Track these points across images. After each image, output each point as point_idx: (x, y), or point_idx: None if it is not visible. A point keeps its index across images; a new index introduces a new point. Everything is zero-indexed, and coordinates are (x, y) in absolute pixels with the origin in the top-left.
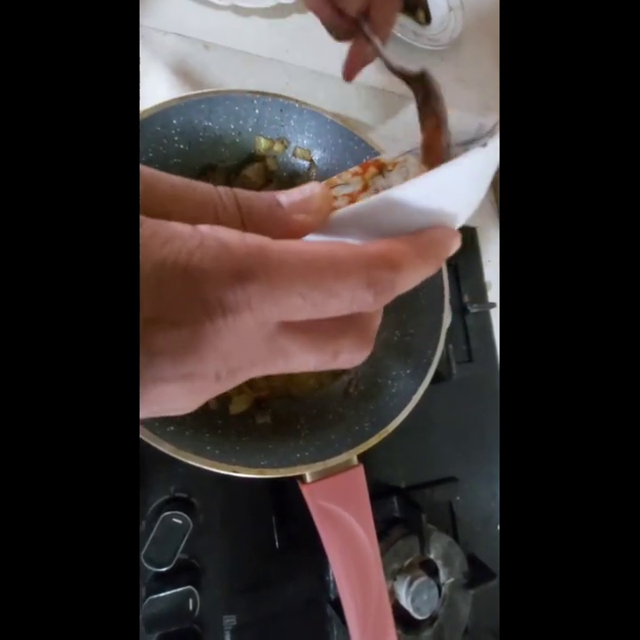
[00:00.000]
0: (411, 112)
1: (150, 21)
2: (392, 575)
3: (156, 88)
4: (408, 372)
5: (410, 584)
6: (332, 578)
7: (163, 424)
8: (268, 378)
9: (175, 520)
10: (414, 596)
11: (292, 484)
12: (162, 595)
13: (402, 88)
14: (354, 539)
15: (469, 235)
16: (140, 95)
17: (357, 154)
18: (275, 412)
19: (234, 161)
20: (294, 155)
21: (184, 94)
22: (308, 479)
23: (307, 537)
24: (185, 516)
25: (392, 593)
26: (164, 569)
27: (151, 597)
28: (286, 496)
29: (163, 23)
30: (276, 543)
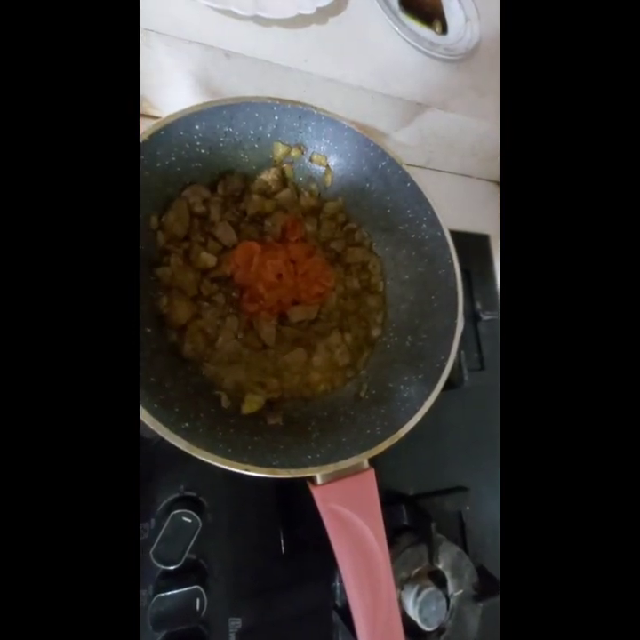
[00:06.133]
0: (425, 120)
1: (176, 31)
2: (400, 584)
3: (179, 95)
4: (420, 377)
5: (417, 594)
6: (338, 584)
7: (177, 421)
8: (280, 379)
9: (185, 519)
10: (422, 607)
11: (299, 490)
12: (169, 593)
13: (418, 96)
14: (364, 542)
15: (482, 242)
16: (164, 102)
17: (373, 160)
18: (286, 413)
19: (252, 166)
20: (311, 160)
21: (207, 100)
22: (319, 481)
23: (312, 543)
24: (195, 515)
25: (399, 602)
26: (172, 567)
27: (159, 595)
28: (293, 501)
29: (188, 33)
30: (282, 548)
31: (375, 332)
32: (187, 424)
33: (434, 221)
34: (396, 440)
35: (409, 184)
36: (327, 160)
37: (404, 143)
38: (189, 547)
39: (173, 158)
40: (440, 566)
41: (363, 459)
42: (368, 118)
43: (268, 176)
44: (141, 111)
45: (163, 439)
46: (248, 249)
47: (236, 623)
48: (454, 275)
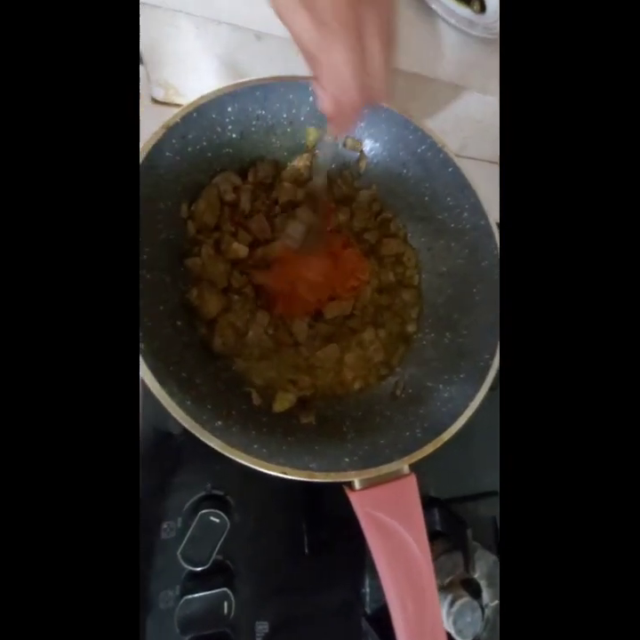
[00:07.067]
0: (462, 103)
1: (205, 11)
2: None
3: (206, 80)
4: (461, 376)
5: (451, 604)
6: (368, 590)
7: (210, 419)
8: (313, 377)
9: (213, 519)
10: (456, 618)
11: (325, 489)
12: (197, 595)
13: (455, 77)
14: (405, 551)
15: None
16: (191, 88)
17: (412, 143)
18: (319, 412)
19: (283, 152)
20: (344, 145)
21: (241, 80)
22: (357, 486)
23: (338, 545)
24: (222, 514)
25: None
26: (199, 568)
27: (186, 597)
28: (317, 501)
29: (217, 13)
30: (305, 549)
31: (410, 328)
32: (219, 422)
33: (477, 209)
34: (440, 444)
35: (451, 169)
36: (361, 145)
37: (437, 128)
38: (217, 547)
39: (204, 143)
40: (475, 575)
41: (404, 463)
42: (400, 102)
43: (300, 162)
44: (167, 99)
45: (188, 434)
46: (287, 258)
47: (263, 627)
48: (497, 266)
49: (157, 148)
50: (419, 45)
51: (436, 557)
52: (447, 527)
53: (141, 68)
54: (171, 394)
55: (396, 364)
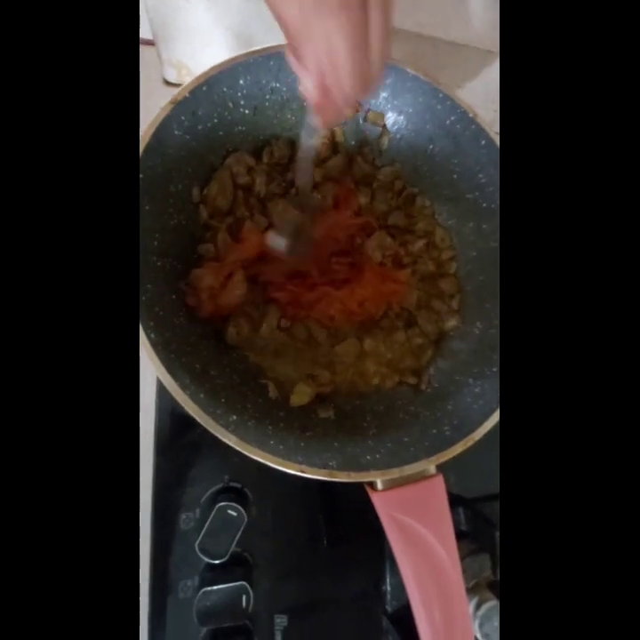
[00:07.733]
0: (495, 71)
1: None
2: None
3: (217, 57)
4: (494, 369)
5: (477, 607)
6: (388, 588)
7: (225, 413)
8: (332, 372)
9: (230, 512)
10: (483, 621)
11: (344, 483)
12: (215, 588)
13: (488, 43)
14: (432, 557)
15: None
16: (201, 64)
17: (440, 114)
18: (338, 406)
19: (298, 129)
20: (365, 120)
21: (253, 49)
22: (380, 486)
23: (357, 538)
24: (240, 508)
25: None
26: (217, 561)
27: (205, 589)
28: (336, 493)
29: None
30: (324, 542)
31: (452, 323)
32: (234, 416)
33: None
34: (470, 443)
35: (484, 142)
36: (384, 118)
37: (465, 99)
38: (235, 541)
39: (216, 120)
40: None
41: (431, 464)
42: (427, 70)
43: (318, 140)
44: (180, 80)
45: None
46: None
47: (281, 620)
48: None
49: (165, 125)
50: (445, 8)
51: (461, 559)
52: (473, 527)
53: (153, 49)
54: (183, 387)
55: (425, 368)
